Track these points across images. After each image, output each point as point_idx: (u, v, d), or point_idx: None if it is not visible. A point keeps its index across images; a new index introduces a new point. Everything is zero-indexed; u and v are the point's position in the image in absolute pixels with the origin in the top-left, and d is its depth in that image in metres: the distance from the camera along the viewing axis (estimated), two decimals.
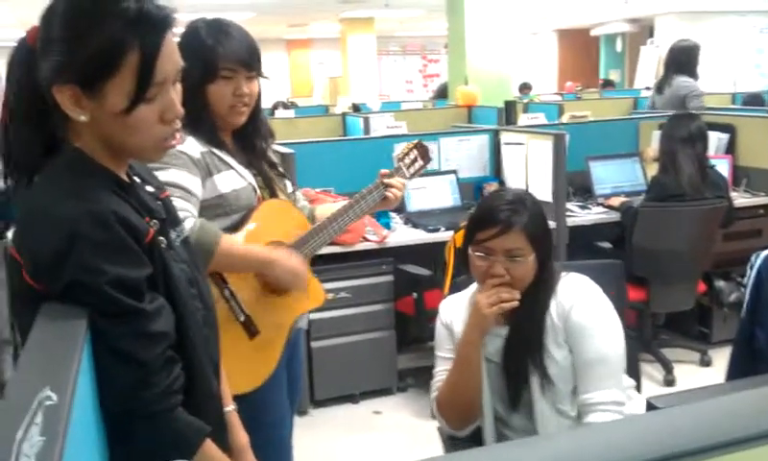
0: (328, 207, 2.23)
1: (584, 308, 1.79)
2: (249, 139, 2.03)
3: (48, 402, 0.64)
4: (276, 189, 2.06)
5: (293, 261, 1.92)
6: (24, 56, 1.16)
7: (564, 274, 1.87)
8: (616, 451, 0.64)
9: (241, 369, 1.83)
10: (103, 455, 1.05)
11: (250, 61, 1.94)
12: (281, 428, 2.10)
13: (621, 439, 0.68)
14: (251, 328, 1.92)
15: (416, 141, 2.29)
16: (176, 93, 1.19)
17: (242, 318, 1.90)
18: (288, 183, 2.13)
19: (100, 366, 1.08)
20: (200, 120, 1.88)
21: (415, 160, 2.24)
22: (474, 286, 1.95)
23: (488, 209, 1.83)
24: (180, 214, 1.57)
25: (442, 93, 9.80)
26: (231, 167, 1.95)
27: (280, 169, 2.12)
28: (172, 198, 1.68)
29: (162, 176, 1.68)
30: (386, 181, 2.14)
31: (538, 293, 1.81)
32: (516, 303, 1.77)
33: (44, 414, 0.63)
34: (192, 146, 1.87)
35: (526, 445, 0.77)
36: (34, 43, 1.14)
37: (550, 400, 1.80)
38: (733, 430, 0.66)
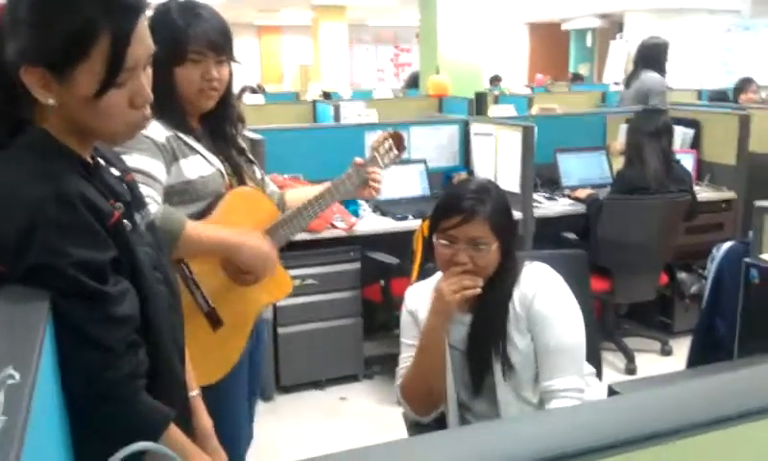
0: (298, 193, 2.22)
1: (546, 297, 1.81)
2: (218, 125, 1.99)
3: (10, 381, 0.64)
4: (245, 176, 2.02)
5: (262, 245, 1.90)
6: None
7: (526, 263, 1.89)
8: (578, 434, 0.65)
9: (203, 361, 1.74)
10: (66, 438, 1.04)
11: (220, 45, 1.89)
12: (239, 419, 2.06)
13: (582, 422, 0.70)
14: (214, 320, 1.88)
15: (391, 131, 2.29)
16: (146, 77, 1.17)
17: (206, 309, 1.86)
18: (257, 170, 2.10)
19: (63, 349, 1.06)
20: (167, 104, 1.81)
21: (390, 150, 2.24)
22: (439, 274, 1.97)
23: (452, 198, 1.84)
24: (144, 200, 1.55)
25: (413, 82, 9.81)
26: (198, 152, 1.91)
27: (249, 156, 2.09)
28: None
29: (125, 160, 1.66)
30: (368, 169, 2.13)
31: (501, 281, 1.83)
32: (478, 291, 1.79)
33: (6, 393, 0.62)
34: (157, 130, 1.82)
35: (489, 428, 0.78)
36: (0, 22, 1.11)
37: (512, 387, 1.83)
38: (692, 415, 0.68)
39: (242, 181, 2.01)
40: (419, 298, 1.98)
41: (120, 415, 1.13)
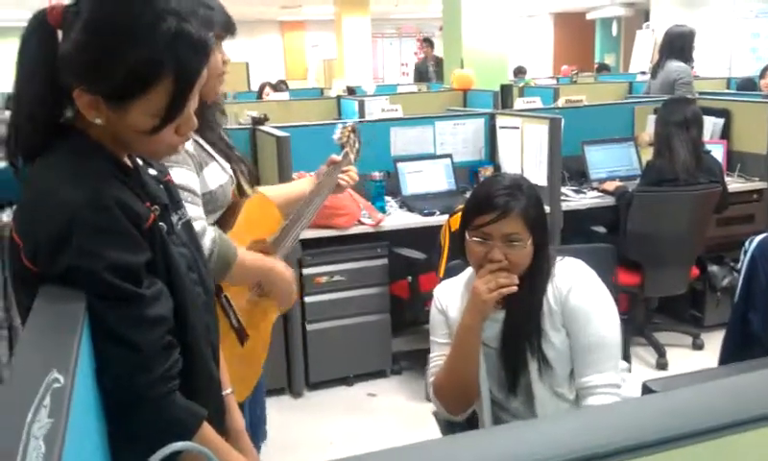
0: (273, 191, 2.23)
1: (581, 292, 1.80)
2: (213, 123, 1.94)
3: (56, 385, 0.65)
4: (239, 176, 2.00)
5: (288, 271, 1.93)
6: (43, 35, 1.11)
7: (559, 258, 1.88)
8: (617, 434, 0.65)
9: (235, 378, 1.72)
10: (102, 438, 1.06)
11: (232, 23, 1.86)
12: (255, 418, 2.10)
13: (621, 422, 0.69)
14: (242, 335, 1.90)
15: (351, 125, 2.32)
16: (194, 105, 1.16)
17: (236, 325, 1.88)
18: (245, 169, 2.06)
19: (98, 350, 1.07)
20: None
21: (354, 143, 2.27)
22: (469, 271, 1.96)
23: (485, 195, 1.83)
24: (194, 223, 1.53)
25: (419, 73, 9.79)
26: (214, 159, 1.89)
27: (238, 152, 2.06)
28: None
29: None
30: (344, 168, 2.18)
31: (534, 278, 1.82)
32: (514, 288, 1.78)
33: (52, 396, 0.63)
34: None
35: (527, 427, 0.77)
36: (55, 23, 1.10)
37: (548, 384, 1.82)
38: (731, 413, 0.67)
39: (238, 184, 2.00)
40: (449, 296, 1.97)
41: (154, 415, 1.14)
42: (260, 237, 1.97)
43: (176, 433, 1.15)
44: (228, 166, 1.94)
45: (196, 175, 1.77)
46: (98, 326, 1.07)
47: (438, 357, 1.95)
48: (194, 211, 1.65)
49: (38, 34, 1.12)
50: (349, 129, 2.28)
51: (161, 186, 1.29)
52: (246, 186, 2.03)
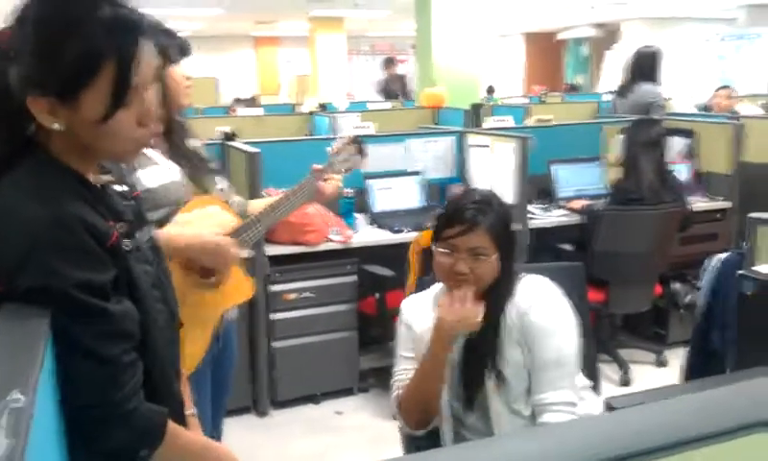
0: (260, 202, 2.27)
1: (541, 310, 1.82)
2: (174, 134, 2.06)
3: (14, 405, 0.65)
4: (207, 185, 2.09)
5: (220, 240, 1.92)
6: None
7: (522, 275, 1.90)
8: (572, 451, 0.66)
9: None
10: (63, 455, 1.05)
11: (185, 47, 2.01)
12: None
13: (577, 439, 0.70)
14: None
15: (352, 137, 2.29)
16: (151, 94, 1.18)
17: None
18: (220, 180, 2.14)
19: (68, 368, 1.07)
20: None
21: (349, 158, 2.25)
22: (437, 286, 1.98)
23: (455, 208, 1.86)
24: None
25: (385, 91, 9.85)
26: (155, 163, 1.97)
27: (212, 165, 2.14)
28: None
29: None
30: (326, 176, 2.18)
31: (497, 293, 1.84)
32: (479, 322, 1.79)
33: (11, 416, 0.63)
34: None
35: (485, 445, 0.78)
36: (5, 47, 1.12)
37: (504, 400, 1.83)
38: (686, 430, 0.68)
39: (204, 191, 2.07)
40: (415, 310, 1.99)
41: (127, 429, 1.14)
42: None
43: (147, 441, 1.18)
44: (176, 171, 2.01)
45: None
46: (67, 343, 1.07)
47: (402, 371, 1.96)
48: None
49: None
50: (349, 141, 2.26)
51: (129, 202, 1.29)
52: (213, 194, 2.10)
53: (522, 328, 1.82)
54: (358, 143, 2.27)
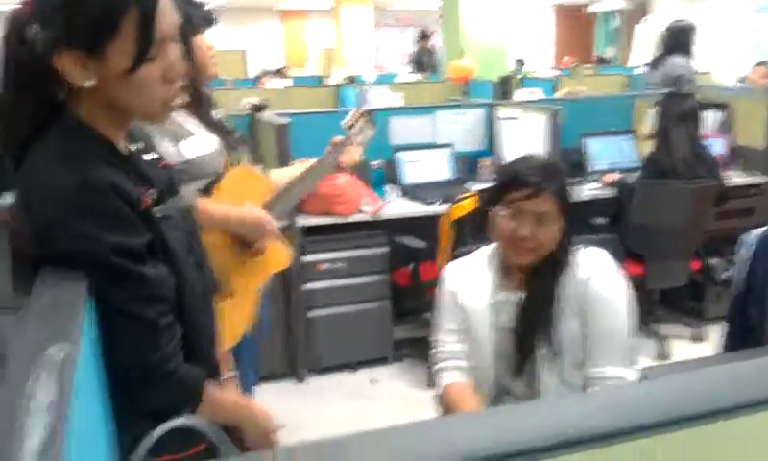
0: (281, 173, 2.32)
1: (601, 281, 1.79)
2: (203, 105, 2.08)
3: (57, 359, 0.65)
4: (239, 156, 2.12)
5: (261, 215, 2.00)
6: (16, 28, 1.13)
7: (582, 246, 1.86)
8: (608, 417, 0.65)
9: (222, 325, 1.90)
10: (104, 413, 1.06)
11: (212, 14, 2.03)
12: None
13: (608, 405, 0.69)
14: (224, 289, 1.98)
15: (362, 110, 2.34)
16: (176, 52, 1.18)
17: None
18: (246, 149, 2.18)
19: (108, 330, 1.09)
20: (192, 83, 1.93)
21: (362, 130, 2.29)
22: (482, 251, 1.95)
23: (520, 171, 1.81)
24: None
25: (416, 63, 9.78)
26: (193, 133, 1.98)
27: (238, 135, 2.17)
28: None
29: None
30: (345, 149, 2.22)
31: (555, 262, 1.81)
32: None
33: (54, 370, 0.63)
34: None
35: (519, 409, 0.77)
36: (25, 15, 1.12)
37: (555, 371, 1.80)
38: (720, 399, 0.67)
39: (236, 162, 2.10)
40: (459, 278, 1.95)
41: (166, 389, 1.17)
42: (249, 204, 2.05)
43: (186, 401, 1.20)
44: (214, 141, 2.02)
45: (166, 142, 1.88)
46: (108, 306, 1.08)
47: (445, 343, 1.93)
48: None
49: (12, 27, 1.13)
50: (359, 114, 2.30)
51: (159, 171, 1.30)
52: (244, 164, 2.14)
53: (581, 299, 1.78)
54: (368, 115, 2.31)
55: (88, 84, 1.11)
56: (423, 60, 10.14)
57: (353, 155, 2.24)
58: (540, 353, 1.80)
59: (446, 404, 1.91)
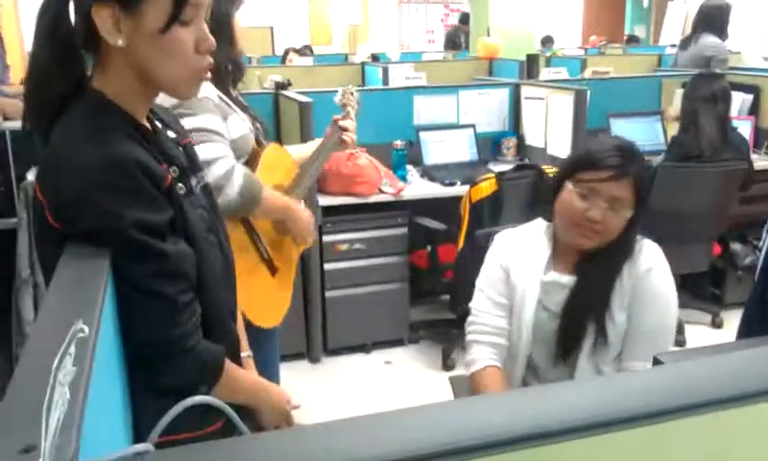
0: (294, 150, 2.39)
1: (658, 276, 1.76)
2: (235, 81, 2.14)
3: (81, 334, 0.67)
4: (257, 132, 2.15)
5: (309, 214, 2.13)
6: (54, 3, 1.14)
7: (638, 238, 1.81)
8: (613, 403, 0.65)
9: (271, 304, 2.06)
10: (122, 389, 1.09)
11: None
12: (276, 371, 2.24)
13: (619, 391, 0.70)
14: (272, 267, 2.07)
15: (350, 87, 2.47)
16: (205, 26, 1.20)
17: (266, 257, 2.06)
18: (259, 126, 2.21)
19: (129, 306, 1.11)
20: (225, 61, 1.95)
21: (352, 104, 2.41)
22: (536, 226, 1.90)
23: (600, 151, 1.73)
24: (217, 157, 1.75)
25: (451, 42, 9.70)
26: (235, 111, 2.01)
27: (253, 113, 2.21)
28: (209, 142, 1.78)
29: (193, 121, 1.77)
30: (341, 123, 2.31)
31: (616, 251, 1.76)
32: None
33: (77, 345, 0.66)
34: (209, 90, 1.90)
35: (537, 392, 0.78)
36: None
37: (594, 361, 1.77)
38: (733, 386, 0.67)
39: (257, 138, 2.14)
40: (512, 250, 1.88)
41: (187, 365, 1.18)
42: (279, 183, 2.13)
43: (205, 378, 1.22)
44: (247, 119, 2.07)
45: (221, 120, 1.92)
46: (128, 282, 1.10)
47: (489, 317, 1.88)
48: (222, 150, 1.84)
49: (49, 4, 1.15)
50: (349, 91, 2.42)
51: (180, 149, 1.31)
52: (262, 140, 2.19)
53: (634, 292, 1.75)
54: (352, 92, 2.44)
55: (120, 43, 1.12)
56: (458, 40, 10.10)
57: (352, 135, 2.33)
58: (586, 342, 1.76)
59: (476, 390, 1.88)
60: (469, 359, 1.91)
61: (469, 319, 1.93)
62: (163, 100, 1.64)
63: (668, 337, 1.77)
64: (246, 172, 1.87)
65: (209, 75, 1.25)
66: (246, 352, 1.54)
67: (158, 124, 1.28)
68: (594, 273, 1.76)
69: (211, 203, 1.37)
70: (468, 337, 1.92)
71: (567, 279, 1.80)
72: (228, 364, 1.30)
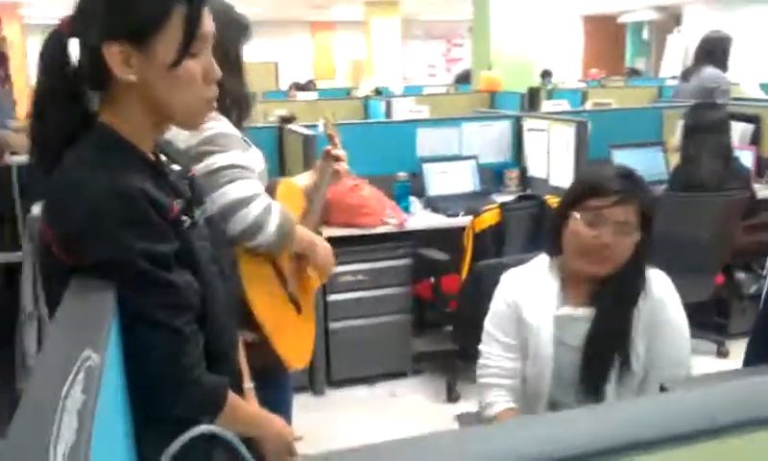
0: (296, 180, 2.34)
1: (674, 305, 1.76)
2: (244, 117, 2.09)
3: (89, 363, 0.68)
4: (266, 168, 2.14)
5: (326, 243, 2.05)
6: (56, 42, 1.17)
7: (647, 267, 1.81)
8: (618, 430, 0.65)
9: (302, 344, 2.00)
10: (126, 420, 1.09)
11: (249, 30, 2.03)
12: (290, 407, 2.21)
13: (623, 418, 0.69)
14: (297, 305, 2.00)
15: (327, 119, 2.39)
16: (210, 56, 1.23)
17: (292, 295, 1.98)
18: (266, 161, 2.18)
19: (133, 339, 1.11)
20: (243, 98, 1.95)
21: (334, 132, 2.33)
22: (538, 261, 1.89)
23: (603, 178, 1.76)
24: (255, 195, 1.69)
25: (463, 79, 9.79)
26: (251, 146, 2.00)
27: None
28: (243, 179, 1.73)
29: (226, 158, 1.74)
30: (334, 152, 2.24)
31: (632, 278, 1.75)
32: None
33: (85, 373, 0.66)
34: (231, 127, 1.89)
35: (533, 422, 0.78)
36: (65, 30, 1.16)
37: (621, 391, 1.75)
38: (738, 413, 0.67)
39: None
40: (520, 288, 1.86)
41: (193, 396, 1.18)
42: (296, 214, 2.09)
43: (208, 409, 1.22)
44: (262, 155, 2.05)
45: (248, 155, 1.88)
46: (132, 313, 1.10)
47: (498, 359, 1.86)
48: (257, 187, 1.77)
49: (52, 41, 1.18)
50: (332, 121, 2.37)
51: (185, 182, 1.32)
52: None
53: (652, 321, 1.74)
54: (331, 123, 2.38)
55: (132, 78, 1.14)
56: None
57: (344, 165, 2.27)
58: (612, 373, 1.74)
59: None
60: (486, 403, 1.88)
61: (480, 361, 1.91)
62: (177, 137, 1.66)
63: (686, 364, 1.77)
64: (282, 208, 1.81)
65: (216, 105, 1.27)
66: (247, 383, 1.54)
67: (163, 157, 1.30)
68: (612, 302, 1.75)
69: (214, 235, 1.38)
70: (481, 380, 1.90)
71: (582, 312, 1.78)
72: (234, 397, 1.30)
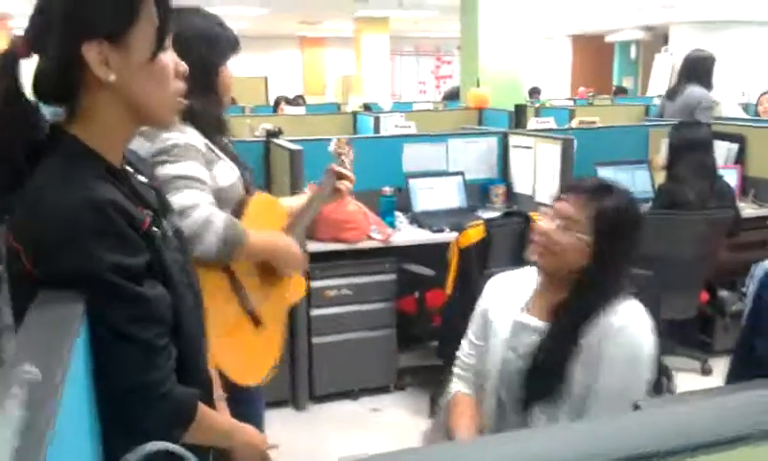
0: (288, 202, 2.33)
1: (631, 337, 1.70)
2: (225, 132, 2.08)
3: (27, 377, 0.65)
4: (245, 180, 2.11)
5: (293, 245, 2.02)
6: (9, 63, 1.13)
7: (624, 299, 1.76)
8: (590, 447, 0.65)
9: (253, 361, 1.92)
10: (95, 435, 1.07)
11: (237, 43, 2.04)
12: (261, 421, 2.14)
13: (596, 436, 0.68)
14: (255, 319, 1.94)
15: (344, 138, 2.42)
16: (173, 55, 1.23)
17: (249, 308, 1.92)
18: (248, 175, 2.17)
19: (104, 352, 1.09)
20: (210, 109, 1.94)
21: (347, 153, 2.33)
22: (526, 271, 1.92)
23: (576, 180, 1.91)
24: (194, 205, 1.69)
25: (451, 96, 9.81)
26: (222, 159, 1.98)
27: (244, 162, 2.17)
28: (186, 189, 1.74)
29: (175, 168, 1.74)
30: (338, 169, 2.24)
31: (591, 298, 1.74)
32: None
33: (25, 388, 0.64)
34: (196, 138, 1.89)
35: (505, 439, 0.77)
36: (20, 50, 1.13)
37: (550, 412, 1.74)
38: (711, 432, 0.66)
39: (246, 188, 2.09)
40: (496, 291, 1.95)
41: (164, 409, 1.17)
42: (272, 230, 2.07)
43: (179, 422, 1.21)
44: (236, 167, 2.03)
45: (204, 168, 1.87)
46: (103, 326, 1.08)
47: (465, 356, 1.98)
48: (198, 197, 1.78)
49: (4, 62, 1.13)
50: (344, 141, 2.37)
51: (152, 193, 1.31)
52: (251, 189, 2.13)
53: (601, 349, 1.69)
54: (346, 142, 2.38)
55: (112, 78, 1.13)
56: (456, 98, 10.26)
57: (348, 177, 2.26)
58: (545, 391, 1.74)
59: (448, 411, 1.94)
60: (446, 391, 2.02)
61: (457, 354, 2.03)
62: (140, 147, 1.65)
63: (631, 399, 1.67)
64: (226, 217, 1.80)
65: (185, 102, 1.26)
66: (218, 393, 1.52)
67: (129, 168, 1.28)
68: (563, 321, 1.75)
69: (183, 245, 1.36)
70: (455, 370, 2.02)
71: (538, 324, 1.80)
72: (205, 408, 1.28)
